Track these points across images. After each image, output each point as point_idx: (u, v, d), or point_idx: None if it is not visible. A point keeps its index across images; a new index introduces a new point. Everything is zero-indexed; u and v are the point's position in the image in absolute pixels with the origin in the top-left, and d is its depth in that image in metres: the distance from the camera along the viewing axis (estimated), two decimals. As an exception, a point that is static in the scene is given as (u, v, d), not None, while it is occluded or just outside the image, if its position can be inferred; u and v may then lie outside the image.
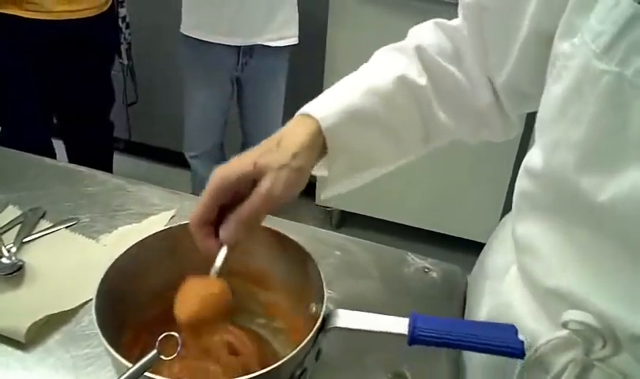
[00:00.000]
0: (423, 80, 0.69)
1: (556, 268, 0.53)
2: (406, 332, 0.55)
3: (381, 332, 0.56)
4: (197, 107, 2.12)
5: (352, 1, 2.13)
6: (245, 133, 2.25)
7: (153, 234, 0.67)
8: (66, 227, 0.89)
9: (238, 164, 0.60)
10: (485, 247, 0.79)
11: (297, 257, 0.66)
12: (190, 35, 2.01)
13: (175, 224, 0.69)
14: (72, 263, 0.82)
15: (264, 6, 1.94)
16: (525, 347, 0.53)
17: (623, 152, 0.46)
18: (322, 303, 0.59)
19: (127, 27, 2.21)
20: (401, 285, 0.84)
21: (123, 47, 2.22)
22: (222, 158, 2.37)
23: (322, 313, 0.58)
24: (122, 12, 2.16)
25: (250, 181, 0.59)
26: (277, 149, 0.60)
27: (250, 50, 2.02)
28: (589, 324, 0.49)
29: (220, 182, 0.59)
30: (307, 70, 2.21)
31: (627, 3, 0.45)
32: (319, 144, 0.63)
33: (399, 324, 0.56)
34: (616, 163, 0.46)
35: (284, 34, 2.02)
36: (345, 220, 2.68)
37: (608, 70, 0.46)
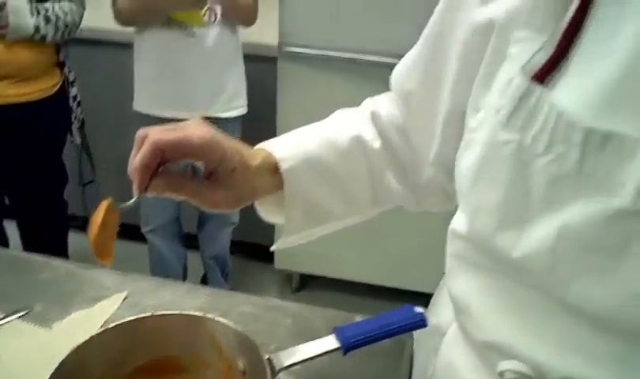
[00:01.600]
0: (377, 144, 0.73)
1: (488, 323, 0.56)
2: (339, 345, 0.66)
3: (320, 354, 0.65)
4: (151, 182, 2.14)
5: (299, 67, 2.21)
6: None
7: (111, 327, 0.68)
8: (19, 317, 0.89)
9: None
10: (429, 305, 0.82)
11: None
12: (143, 111, 2.05)
13: (131, 318, 0.70)
14: (24, 354, 0.82)
15: (213, 80, 2.01)
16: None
17: (529, 212, 0.50)
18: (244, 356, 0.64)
19: (79, 105, 2.24)
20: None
21: (75, 126, 2.24)
22: (178, 231, 2.39)
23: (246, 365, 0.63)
24: (73, 91, 2.19)
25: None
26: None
27: (202, 122, 2.06)
28: (522, 373, 0.52)
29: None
30: (260, 137, 2.25)
31: (520, 80, 0.50)
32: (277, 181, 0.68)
33: (331, 342, 0.67)
34: (525, 221, 0.50)
35: (234, 104, 2.08)
36: (305, 284, 2.69)
37: (510, 139, 0.50)
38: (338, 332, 0.65)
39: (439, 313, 0.75)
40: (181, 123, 0.66)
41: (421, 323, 0.67)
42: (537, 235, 0.49)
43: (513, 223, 0.51)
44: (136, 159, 0.63)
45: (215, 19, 1.95)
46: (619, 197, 0.44)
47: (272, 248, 0.75)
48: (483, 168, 0.54)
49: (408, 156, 0.75)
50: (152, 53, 2.00)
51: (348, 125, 0.74)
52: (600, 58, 0.47)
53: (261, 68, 2.27)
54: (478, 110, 0.56)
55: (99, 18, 2.17)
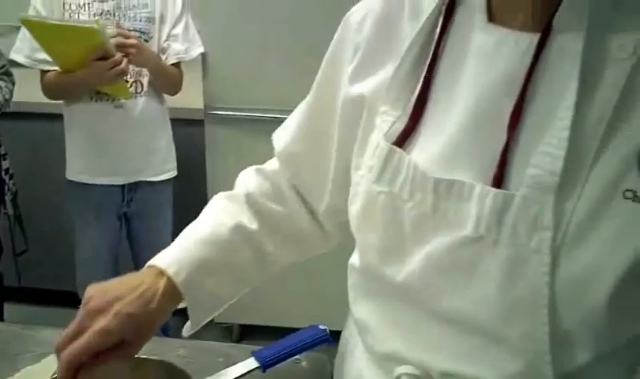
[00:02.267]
0: (254, 225, 0.84)
1: (384, 337, 0.70)
2: (258, 364, 0.79)
3: (243, 374, 0.78)
4: (87, 247, 2.20)
5: (225, 128, 2.34)
6: (137, 266, 2.33)
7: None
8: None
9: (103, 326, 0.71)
10: (343, 329, 0.95)
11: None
12: (75, 179, 2.13)
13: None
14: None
15: (143, 147, 2.11)
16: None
17: (405, 245, 0.64)
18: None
19: (11, 178, 2.29)
20: (275, 376, 0.98)
21: (8, 198, 2.28)
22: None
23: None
24: (5, 164, 2.24)
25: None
26: (138, 296, 0.73)
27: (135, 186, 2.16)
28: (413, 374, 0.65)
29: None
30: (192, 197, 2.36)
31: (384, 145, 0.65)
32: (174, 293, 0.76)
33: (251, 363, 0.82)
34: (402, 253, 0.65)
35: (164, 168, 2.19)
36: (245, 334, 2.77)
37: (382, 191, 0.65)
38: (256, 353, 0.77)
39: (350, 334, 0.88)
40: (80, 310, 0.74)
41: (325, 338, 0.80)
42: (412, 263, 0.64)
43: (393, 255, 0.66)
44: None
45: (141, 90, 2.07)
46: (464, 229, 0.59)
47: (183, 333, 0.84)
48: (366, 215, 0.68)
49: (283, 217, 0.87)
50: (81, 124, 2.09)
51: (226, 216, 0.84)
52: (440, 125, 0.63)
53: (189, 131, 2.40)
54: (359, 168, 0.71)
55: (29, 92, 2.25)
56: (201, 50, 2.18)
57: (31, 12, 1.97)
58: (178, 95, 2.21)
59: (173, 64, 2.11)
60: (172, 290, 0.76)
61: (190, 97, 2.34)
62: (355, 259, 0.74)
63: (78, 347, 0.70)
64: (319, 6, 2.03)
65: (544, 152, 0.55)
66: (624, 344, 0.57)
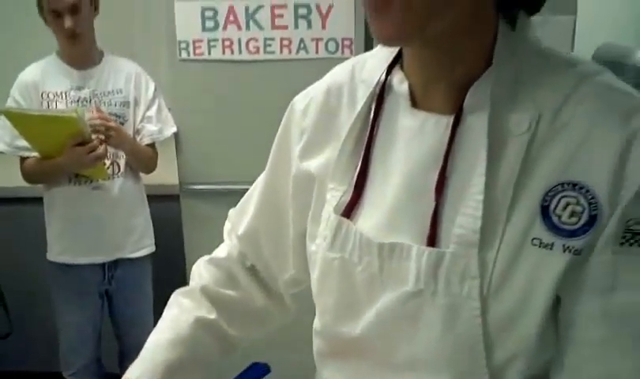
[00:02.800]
0: (212, 315, 0.90)
1: None
2: None
3: None
4: (71, 326, 2.24)
5: (201, 202, 2.42)
6: (120, 341, 2.37)
7: None
8: None
9: None
10: None
11: None
12: (57, 260, 2.19)
13: None
14: None
15: (121, 225, 2.19)
16: None
17: (359, 303, 0.73)
18: None
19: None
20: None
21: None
22: (100, 371, 2.44)
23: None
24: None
25: None
26: None
27: (114, 264, 2.22)
28: None
29: None
30: (171, 271, 2.42)
31: (333, 217, 0.75)
32: None
33: None
34: (357, 310, 0.73)
35: (142, 244, 2.26)
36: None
37: (336, 257, 0.74)
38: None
39: None
40: None
41: (265, 370, 0.88)
42: (365, 319, 0.72)
43: (349, 314, 0.74)
44: None
45: (119, 170, 2.16)
46: (407, 285, 0.68)
47: None
48: (323, 280, 0.77)
49: (240, 301, 0.93)
50: (61, 206, 2.16)
51: (185, 315, 0.89)
52: (380, 197, 0.73)
53: (165, 206, 2.47)
54: (315, 238, 0.79)
55: (7, 178, 2.31)
56: (174, 129, 2.29)
57: (10, 102, 2.08)
58: (154, 172, 2.30)
59: (148, 144, 2.21)
60: None
61: (166, 174, 2.43)
62: (316, 323, 0.82)
63: None
64: (286, 86, 2.16)
65: (465, 214, 0.64)
66: (547, 364, 0.66)
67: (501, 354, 0.65)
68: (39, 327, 2.74)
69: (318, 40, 2.22)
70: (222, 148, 2.36)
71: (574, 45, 2.17)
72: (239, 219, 0.96)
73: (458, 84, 0.67)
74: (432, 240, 0.67)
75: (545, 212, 0.62)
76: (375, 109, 0.74)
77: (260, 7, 2.18)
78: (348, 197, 0.74)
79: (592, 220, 0.60)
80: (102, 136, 2.01)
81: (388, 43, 0.67)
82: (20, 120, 1.95)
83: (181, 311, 0.90)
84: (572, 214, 0.61)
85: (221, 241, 1.00)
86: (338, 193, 0.75)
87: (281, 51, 2.23)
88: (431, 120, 0.69)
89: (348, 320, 0.74)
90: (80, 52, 2.10)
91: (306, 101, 0.83)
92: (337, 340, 0.77)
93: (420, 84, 0.71)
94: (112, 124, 2.04)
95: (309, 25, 2.21)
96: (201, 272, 0.95)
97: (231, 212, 1.00)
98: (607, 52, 2.43)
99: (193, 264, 0.97)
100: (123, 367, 2.53)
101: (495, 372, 0.65)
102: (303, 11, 2.21)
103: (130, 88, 2.17)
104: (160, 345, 0.87)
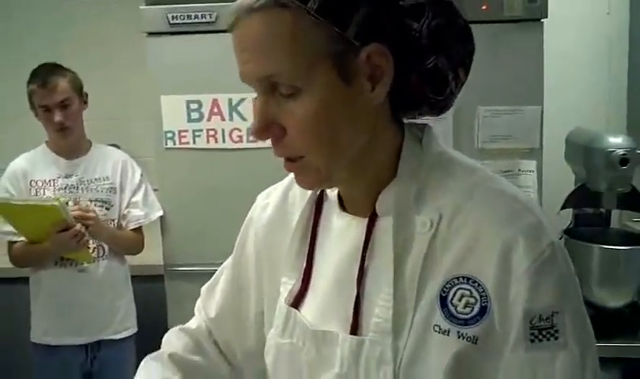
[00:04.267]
0: (176, 377, 0.98)
1: None
2: None
3: None
4: (53, 407, 2.26)
5: (185, 283, 2.47)
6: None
7: None
8: None
9: None
10: None
11: None
12: (41, 342, 2.23)
13: None
14: None
15: (105, 307, 2.25)
16: None
17: (303, 378, 0.81)
18: None
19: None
20: None
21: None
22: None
23: None
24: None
25: None
26: None
27: (97, 345, 2.26)
28: None
29: None
30: (155, 352, 2.45)
31: (284, 306, 0.84)
32: None
33: None
34: None
35: (125, 325, 2.31)
36: None
37: (285, 342, 0.83)
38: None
39: None
40: None
41: None
42: None
43: None
44: None
45: (103, 253, 2.24)
46: (335, 368, 0.77)
47: None
48: (276, 363, 0.86)
49: (205, 368, 1.02)
50: (47, 289, 2.23)
51: (152, 376, 0.97)
52: (318, 288, 0.83)
53: (150, 287, 2.53)
54: (271, 326, 0.88)
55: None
56: (160, 213, 2.37)
57: (1, 192, 2.17)
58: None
59: (134, 229, 2.29)
60: None
61: (150, 254, 2.49)
62: None
63: None
64: (268, 173, 2.25)
65: (380, 305, 0.73)
66: None
67: None
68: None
69: (297, 129, 2.32)
70: (205, 230, 2.43)
71: (544, 130, 2.27)
72: (207, 299, 1.05)
73: (374, 192, 0.78)
74: (355, 328, 0.76)
75: (444, 301, 0.70)
76: (316, 212, 0.86)
77: (242, 99, 2.29)
78: (296, 289, 0.84)
79: (483, 311, 0.68)
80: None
81: (309, 189, 0.82)
82: (6, 209, 2.05)
83: (148, 373, 0.98)
84: (466, 305, 0.69)
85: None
86: (289, 286, 0.85)
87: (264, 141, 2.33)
88: (354, 222, 0.80)
89: None
90: (69, 144, 2.21)
91: (267, 200, 0.95)
92: None
93: (345, 193, 0.83)
94: (91, 215, 2.13)
95: (289, 116, 2.32)
96: (171, 339, 1.04)
97: (203, 289, 1.09)
98: (578, 136, 2.53)
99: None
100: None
101: None
102: (283, 102, 2.31)
103: (117, 174, 2.27)
104: None
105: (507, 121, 2.23)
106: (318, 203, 0.86)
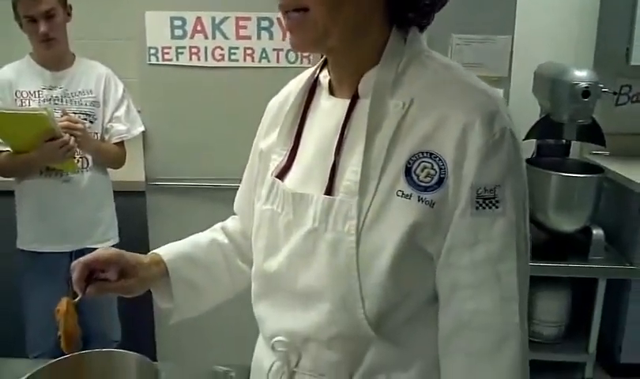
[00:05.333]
0: (226, 241, 1.16)
1: (270, 322, 0.96)
2: None
3: None
4: (37, 311, 2.35)
5: (166, 198, 2.57)
6: (84, 328, 2.48)
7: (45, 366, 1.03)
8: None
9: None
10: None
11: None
12: (27, 248, 2.32)
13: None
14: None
15: (88, 217, 2.34)
16: None
17: (279, 246, 0.92)
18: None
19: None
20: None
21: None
22: (63, 354, 2.54)
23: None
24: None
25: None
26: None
27: (81, 253, 2.33)
28: (282, 340, 0.92)
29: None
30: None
31: (270, 178, 0.95)
32: (160, 260, 1.07)
33: None
34: (277, 251, 0.92)
35: (107, 236, 2.41)
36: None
37: (267, 209, 0.95)
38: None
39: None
40: (96, 250, 1.06)
41: None
42: (281, 255, 0.92)
43: (272, 253, 0.94)
44: (74, 275, 1.03)
45: (87, 165, 2.31)
46: (308, 224, 0.87)
47: (170, 323, 1.12)
48: (258, 228, 0.98)
49: (247, 247, 1.11)
50: (32, 198, 2.30)
51: (204, 236, 1.17)
52: (302, 160, 0.94)
53: (132, 200, 2.62)
54: (260, 198, 0.99)
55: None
56: (142, 129, 2.44)
57: (-15, 101, 2.20)
58: (121, 168, 2.45)
59: (116, 142, 2.36)
60: (158, 259, 1.08)
61: (132, 170, 2.56)
62: (252, 268, 1.01)
63: (90, 256, 1.02)
64: (249, 91, 2.33)
65: (351, 170, 0.85)
66: (405, 297, 0.84)
67: (369, 282, 0.83)
68: (4, 315, 2.84)
69: (278, 50, 2.41)
70: (187, 146, 2.51)
71: (513, 61, 2.38)
72: (237, 199, 1.19)
73: (357, 77, 0.88)
74: (329, 190, 0.87)
75: (408, 172, 0.82)
76: (308, 97, 0.97)
77: (225, 18, 2.34)
78: (282, 163, 0.96)
79: (441, 181, 0.80)
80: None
81: (299, 50, 0.93)
82: (-7, 118, 2.07)
83: (199, 235, 1.16)
84: (427, 175, 0.81)
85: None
86: (277, 162, 0.97)
87: (245, 60, 2.41)
88: (339, 103, 0.91)
89: (270, 259, 0.94)
90: (54, 55, 2.24)
91: (274, 101, 1.07)
92: (263, 279, 0.96)
93: (335, 78, 0.93)
94: (79, 126, 2.18)
95: (270, 36, 2.40)
96: (225, 221, 1.21)
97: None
98: (547, 69, 2.65)
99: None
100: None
101: (366, 297, 0.83)
102: (265, 23, 2.39)
103: (100, 88, 2.32)
104: (183, 242, 1.13)
105: (478, 50, 2.33)
106: (311, 91, 0.97)
